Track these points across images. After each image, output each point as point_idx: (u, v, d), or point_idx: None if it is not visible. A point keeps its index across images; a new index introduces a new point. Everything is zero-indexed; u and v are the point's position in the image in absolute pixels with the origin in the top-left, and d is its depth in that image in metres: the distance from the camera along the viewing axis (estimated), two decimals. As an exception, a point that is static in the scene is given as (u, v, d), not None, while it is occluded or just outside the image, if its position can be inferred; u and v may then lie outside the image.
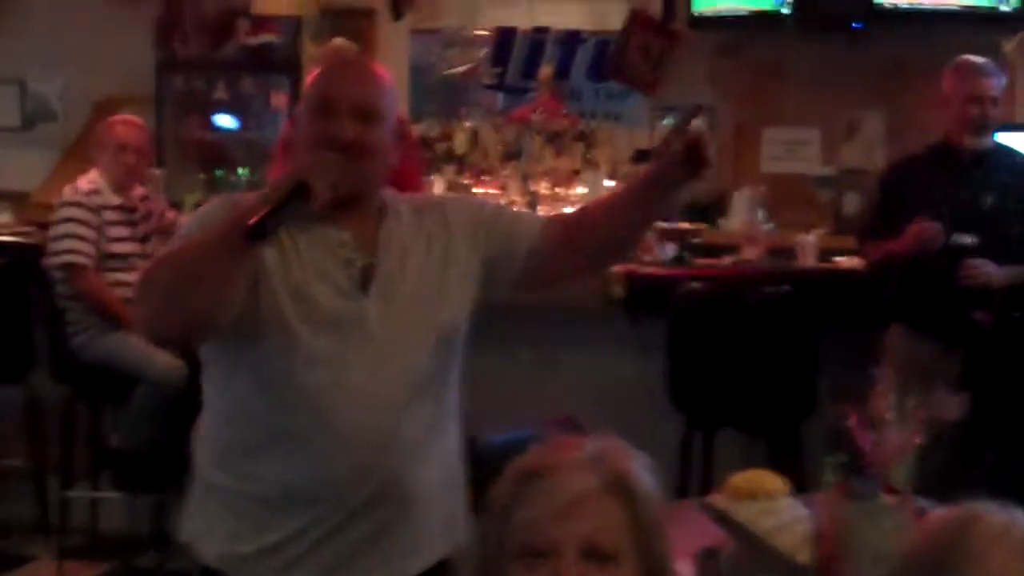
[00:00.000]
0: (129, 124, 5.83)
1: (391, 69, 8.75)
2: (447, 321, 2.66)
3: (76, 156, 8.28)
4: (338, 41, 6.28)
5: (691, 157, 2.55)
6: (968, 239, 4.99)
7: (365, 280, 2.58)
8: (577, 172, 7.88)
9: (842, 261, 5.83)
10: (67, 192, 5.72)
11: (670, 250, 5.86)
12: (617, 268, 5.51)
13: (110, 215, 5.66)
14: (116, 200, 5.71)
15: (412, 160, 6.16)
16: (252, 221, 2.36)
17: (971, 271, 4.95)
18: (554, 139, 8.06)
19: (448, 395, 2.71)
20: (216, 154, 8.65)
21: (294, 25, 8.51)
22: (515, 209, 2.93)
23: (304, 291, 2.53)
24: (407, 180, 6.12)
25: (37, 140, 9.17)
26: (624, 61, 7.86)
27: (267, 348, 2.52)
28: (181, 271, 2.40)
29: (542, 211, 7.05)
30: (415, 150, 6.48)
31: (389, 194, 2.72)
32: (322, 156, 2.50)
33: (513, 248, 2.72)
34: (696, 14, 7.89)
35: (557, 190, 7.68)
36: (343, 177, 2.51)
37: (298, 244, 2.56)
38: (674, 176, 2.59)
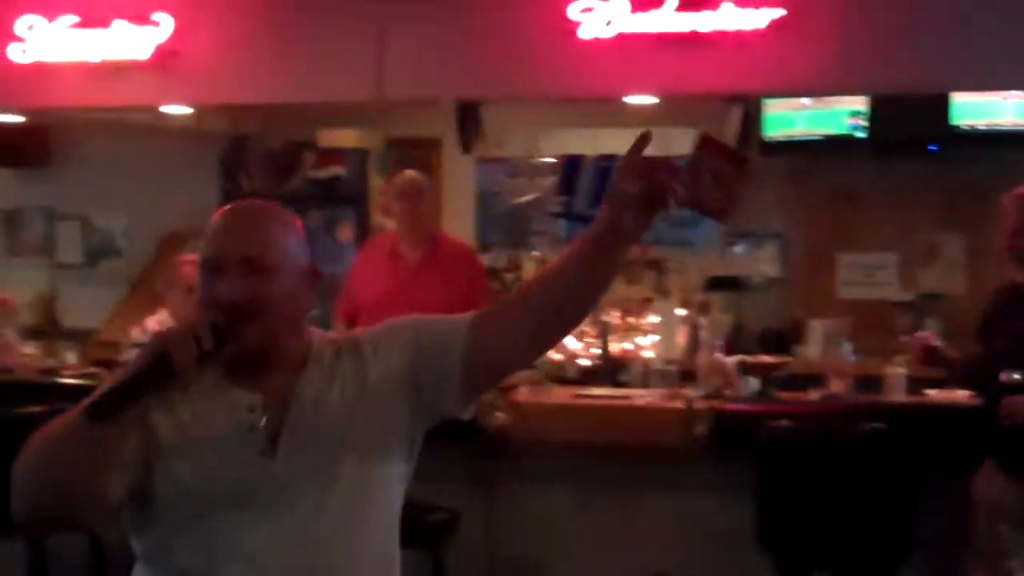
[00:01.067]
0: (192, 264, 5.77)
1: (458, 198, 8.77)
2: (356, 457, 2.44)
3: (141, 292, 8.28)
4: (409, 173, 6.23)
5: (650, 196, 2.32)
6: (1017, 375, 4.80)
7: (273, 443, 2.40)
8: (649, 300, 7.78)
9: (934, 394, 5.65)
10: (135, 333, 5.67)
11: (753, 384, 5.71)
12: (700, 404, 5.37)
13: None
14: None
15: (481, 291, 6.08)
16: (91, 400, 2.20)
17: (1012, 408, 4.77)
18: (625, 268, 7.96)
19: (378, 539, 2.49)
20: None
21: (361, 157, 8.52)
22: (434, 318, 2.64)
23: (202, 465, 2.36)
24: (477, 301, 6.04)
25: (101, 277, 9.19)
26: (695, 187, 7.77)
27: (167, 530, 2.38)
28: (40, 453, 2.24)
29: (613, 343, 6.94)
30: (484, 280, 6.40)
31: (318, 338, 2.53)
32: (188, 322, 2.32)
33: (446, 360, 2.47)
34: (767, 139, 7.83)
35: (628, 319, 7.58)
36: (228, 339, 2.32)
37: (198, 413, 2.39)
38: (629, 222, 2.33)
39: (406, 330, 2.54)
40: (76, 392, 6.07)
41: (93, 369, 6.48)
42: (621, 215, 2.35)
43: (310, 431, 2.42)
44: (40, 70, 7.12)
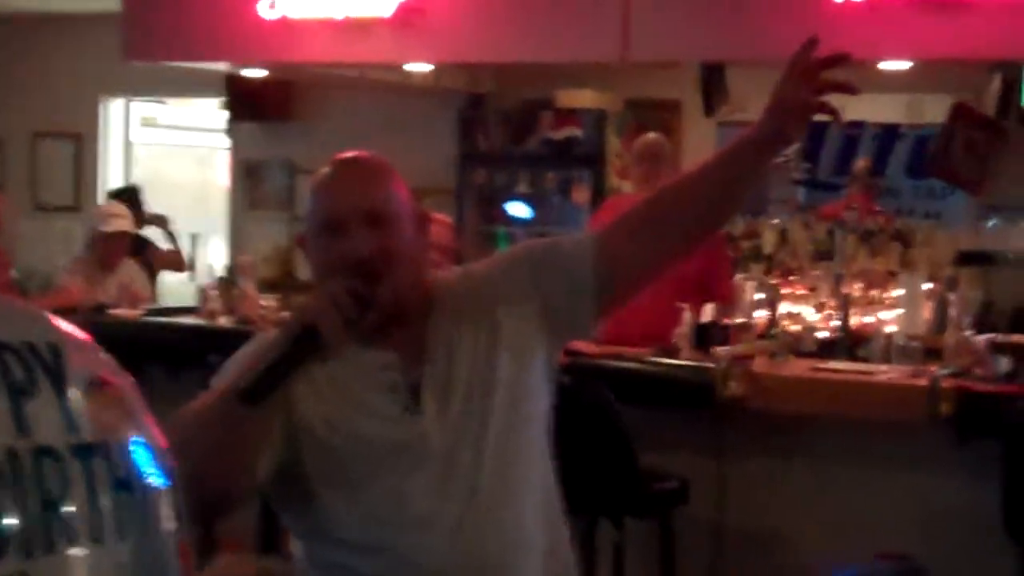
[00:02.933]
0: (437, 222, 5.85)
1: (696, 160, 8.73)
2: (506, 400, 2.39)
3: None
4: (650, 135, 6.21)
5: (819, 104, 2.26)
6: None
7: (416, 398, 2.36)
8: (893, 274, 7.59)
9: None
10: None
11: (1004, 364, 5.51)
12: (946, 383, 5.22)
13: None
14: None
15: (720, 261, 6.03)
16: (245, 384, 2.15)
17: None
18: (868, 238, 7.80)
19: (537, 474, 2.45)
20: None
21: (598, 118, 8.51)
22: (552, 240, 2.57)
23: (351, 433, 2.34)
24: (715, 283, 6.00)
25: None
26: (948, 158, 7.58)
27: (326, 506, 2.35)
28: (187, 441, 2.10)
29: (854, 316, 6.81)
30: (723, 250, 6.34)
31: (435, 281, 2.48)
32: (327, 291, 2.24)
33: (576, 277, 2.42)
34: (1028, 108, 7.56)
35: (871, 292, 7.41)
36: (371, 303, 2.26)
37: (336, 380, 2.35)
38: (792, 128, 2.28)
39: (526, 256, 2.50)
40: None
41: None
42: (787, 120, 2.29)
43: (451, 381, 2.38)
44: (286, 26, 7.30)
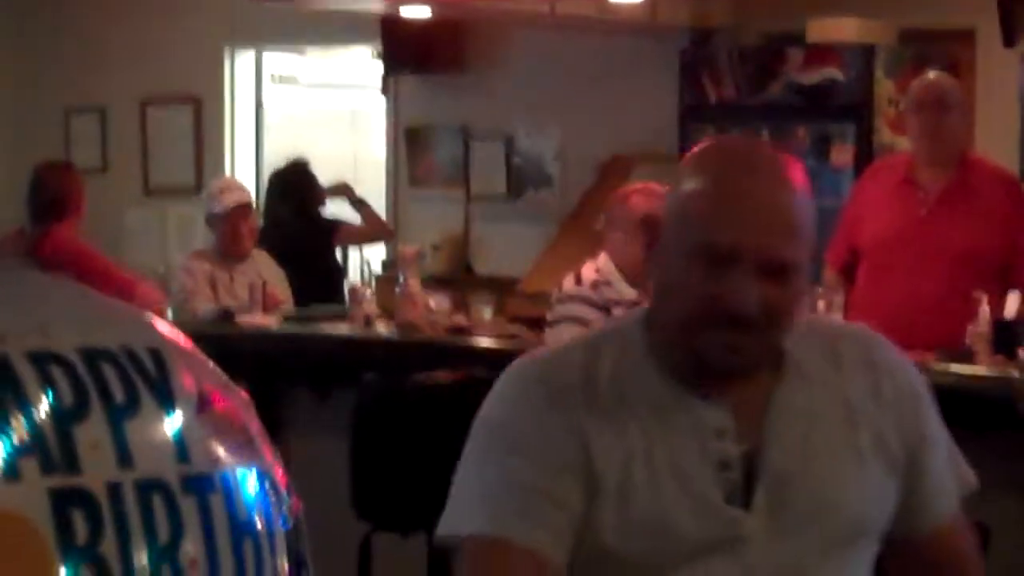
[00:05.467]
0: (649, 194, 5.86)
1: (997, 108, 8.55)
2: (854, 519, 2.41)
3: (574, 233, 8.48)
4: (932, 76, 6.13)
5: None
6: None
7: (748, 484, 2.34)
8: None
9: None
10: (567, 284, 5.81)
11: None
12: None
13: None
14: (631, 295, 5.74)
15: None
16: None
17: None
18: None
19: None
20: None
21: (865, 55, 8.42)
22: (949, 452, 2.56)
23: (656, 509, 2.32)
24: (1022, 265, 5.89)
25: (526, 211, 9.47)
26: None
27: None
28: None
29: None
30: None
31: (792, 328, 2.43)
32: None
33: (909, 511, 2.48)
34: None
35: None
36: (737, 353, 2.31)
37: (650, 433, 2.34)
38: None
39: (926, 417, 2.51)
40: (492, 357, 6.31)
41: (513, 328, 6.69)
42: None
43: (798, 472, 2.37)
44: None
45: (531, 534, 2.27)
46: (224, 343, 6.46)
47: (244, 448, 1.49)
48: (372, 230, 8.83)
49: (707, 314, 2.29)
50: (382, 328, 6.69)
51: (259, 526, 1.43)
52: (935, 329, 5.45)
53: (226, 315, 6.85)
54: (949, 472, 2.54)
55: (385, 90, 10.33)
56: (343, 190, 8.75)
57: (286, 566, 1.45)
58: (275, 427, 6.72)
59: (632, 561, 2.34)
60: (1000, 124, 8.43)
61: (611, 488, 2.31)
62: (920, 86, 6.13)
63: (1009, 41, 8.14)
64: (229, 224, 7.28)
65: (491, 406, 2.42)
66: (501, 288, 8.34)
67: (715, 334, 2.28)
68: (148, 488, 1.33)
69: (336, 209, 8.70)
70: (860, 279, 6.04)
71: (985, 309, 5.50)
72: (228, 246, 7.29)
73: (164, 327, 1.48)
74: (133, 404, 1.36)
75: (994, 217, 5.91)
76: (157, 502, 1.33)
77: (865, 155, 8.22)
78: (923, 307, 5.62)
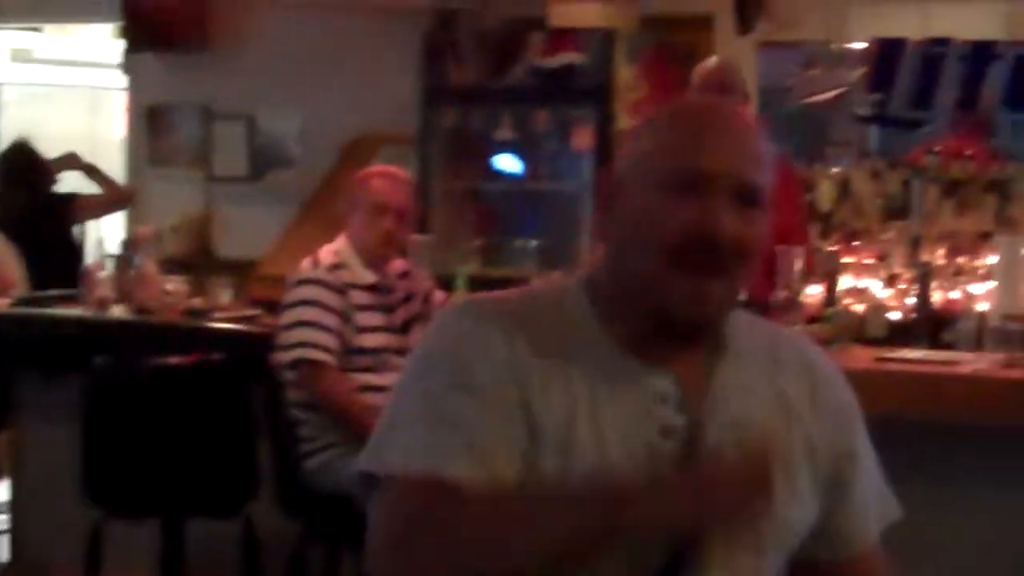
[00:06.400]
0: (389, 178, 5.86)
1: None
2: (791, 528, 2.41)
3: (316, 215, 8.47)
4: (714, 60, 6.32)
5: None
6: None
7: (688, 455, 2.33)
8: (986, 235, 7.61)
9: None
10: (304, 267, 5.78)
11: None
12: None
13: (360, 297, 5.68)
14: (369, 278, 5.74)
15: (795, 209, 6.08)
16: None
17: None
18: (955, 190, 7.84)
19: None
20: (496, 211, 8.70)
21: (605, 40, 8.53)
22: (875, 477, 2.60)
23: (600, 471, 2.29)
24: (790, 235, 6.03)
25: (268, 192, 9.43)
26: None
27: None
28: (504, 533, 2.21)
29: (936, 291, 6.84)
30: (799, 196, 6.40)
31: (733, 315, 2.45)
32: (750, 484, 2.22)
33: (824, 534, 2.48)
34: None
35: (959, 260, 7.45)
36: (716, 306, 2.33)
37: (596, 398, 2.32)
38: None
39: (859, 462, 2.51)
40: (230, 339, 6.27)
41: (252, 311, 6.65)
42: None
43: (729, 455, 2.34)
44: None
45: (472, 472, 2.22)
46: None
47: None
48: (111, 196, 8.76)
49: (685, 242, 2.27)
50: (117, 311, 6.61)
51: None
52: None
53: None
54: (873, 498, 2.54)
55: (125, 68, 10.21)
56: (70, 160, 8.68)
57: None
58: (5, 410, 6.67)
59: None
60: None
61: (552, 440, 2.28)
62: (703, 72, 6.32)
63: (744, 29, 8.31)
64: None
65: (434, 340, 2.38)
66: (242, 270, 8.27)
67: (684, 280, 2.26)
68: None
69: (77, 184, 8.64)
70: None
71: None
72: None
73: None
74: None
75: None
76: None
77: (605, 139, 8.32)
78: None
